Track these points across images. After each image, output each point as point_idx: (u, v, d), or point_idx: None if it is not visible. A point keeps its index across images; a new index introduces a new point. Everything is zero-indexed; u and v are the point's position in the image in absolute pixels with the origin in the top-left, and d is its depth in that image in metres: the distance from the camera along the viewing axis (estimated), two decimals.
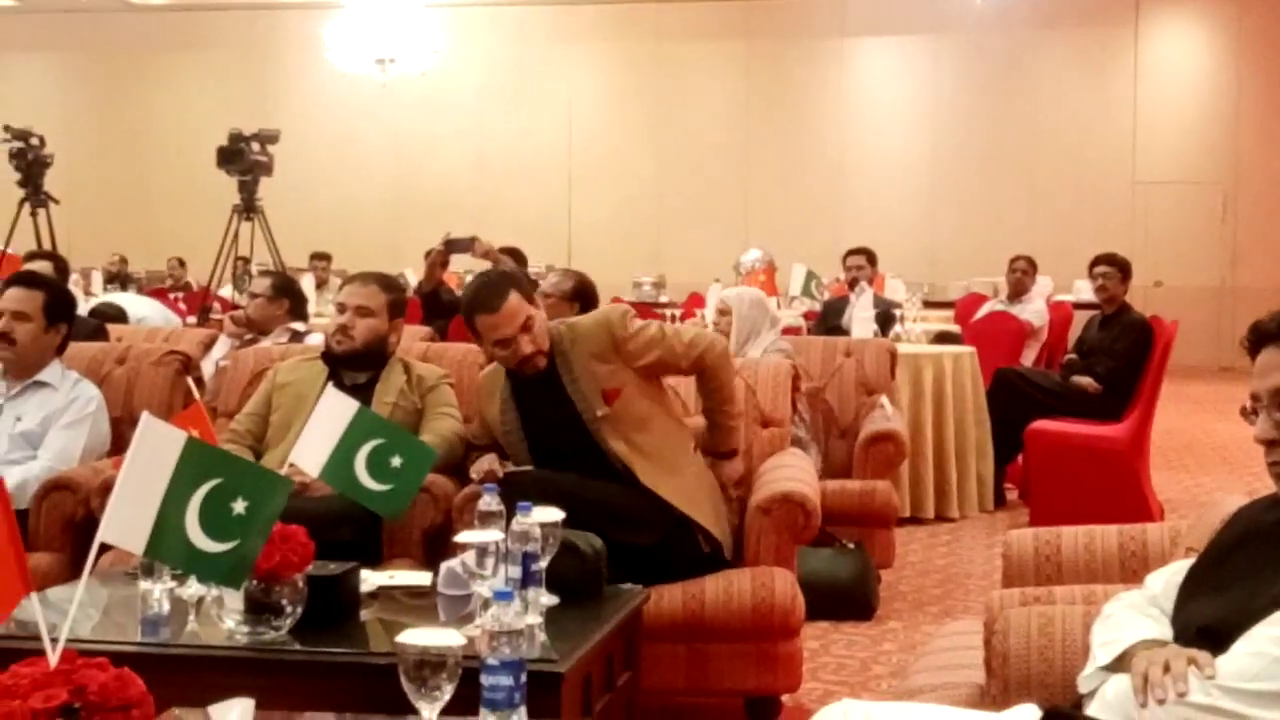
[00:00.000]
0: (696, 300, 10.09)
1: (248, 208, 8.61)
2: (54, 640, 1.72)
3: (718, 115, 15.31)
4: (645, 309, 8.59)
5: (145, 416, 1.93)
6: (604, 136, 15.48)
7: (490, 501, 2.90)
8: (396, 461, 3.09)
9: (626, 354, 3.63)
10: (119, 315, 7.19)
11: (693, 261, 13.02)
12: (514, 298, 3.56)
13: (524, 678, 2.05)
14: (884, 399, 5.59)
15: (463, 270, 11.81)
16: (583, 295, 5.70)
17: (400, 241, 13.72)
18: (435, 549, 3.60)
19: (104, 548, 2.00)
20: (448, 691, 2.03)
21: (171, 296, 10.95)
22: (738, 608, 3.46)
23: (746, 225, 14.38)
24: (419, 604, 3.02)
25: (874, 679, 4.14)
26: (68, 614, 1.88)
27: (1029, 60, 14.86)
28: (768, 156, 15.14)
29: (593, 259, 11.52)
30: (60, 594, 2.98)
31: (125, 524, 1.89)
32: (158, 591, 2.93)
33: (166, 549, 1.96)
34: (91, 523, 3.72)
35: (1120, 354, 6.66)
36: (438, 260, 6.85)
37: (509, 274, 3.95)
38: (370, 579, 3.10)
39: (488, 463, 3.64)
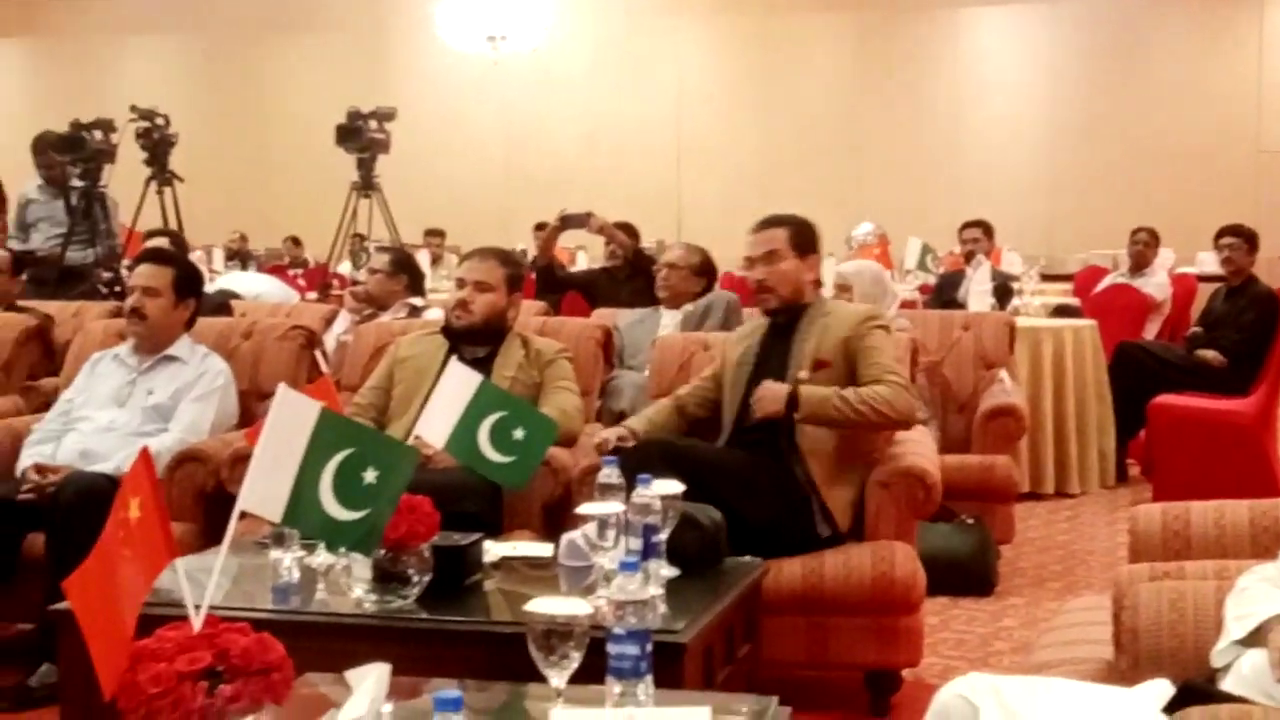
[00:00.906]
0: None
1: (365, 185, 8.72)
2: (196, 606, 1.77)
3: (828, 88, 15.17)
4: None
5: (282, 388, 1.97)
6: (713, 111, 15.42)
7: (611, 474, 2.92)
8: (519, 434, 3.12)
9: (855, 340, 3.68)
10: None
11: None
12: (782, 232, 3.84)
13: (650, 647, 2.07)
14: (1003, 373, 5.51)
15: (574, 246, 11.86)
16: (709, 270, 5.72)
17: (511, 217, 13.81)
18: (555, 521, 3.64)
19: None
20: (576, 660, 2.06)
21: (291, 273, 11.15)
22: (857, 582, 3.45)
23: (858, 199, 14.24)
24: (540, 575, 3.05)
25: (995, 655, 4.10)
26: (207, 581, 1.93)
27: (1147, 26, 14.50)
28: (879, 129, 14.97)
29: (703, 233, 11.47)
30: (194, 563, 3.06)
31: (263, 493, 1.93)
32: (288, 560, 3.00)
33: (302, 517, 2.00)
34: (222, 493, 3.83)
35: (1247, 327, 6.52)
36: (551, 235, 6.91)
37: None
38: (492, 550, 3.14)
39: (610, 434, 3.67)
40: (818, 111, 15.16)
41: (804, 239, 3.86)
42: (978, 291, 6.99)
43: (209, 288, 6.65)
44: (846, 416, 3.56)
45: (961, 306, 6.99)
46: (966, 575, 4.71)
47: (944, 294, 7.72)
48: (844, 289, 5.36)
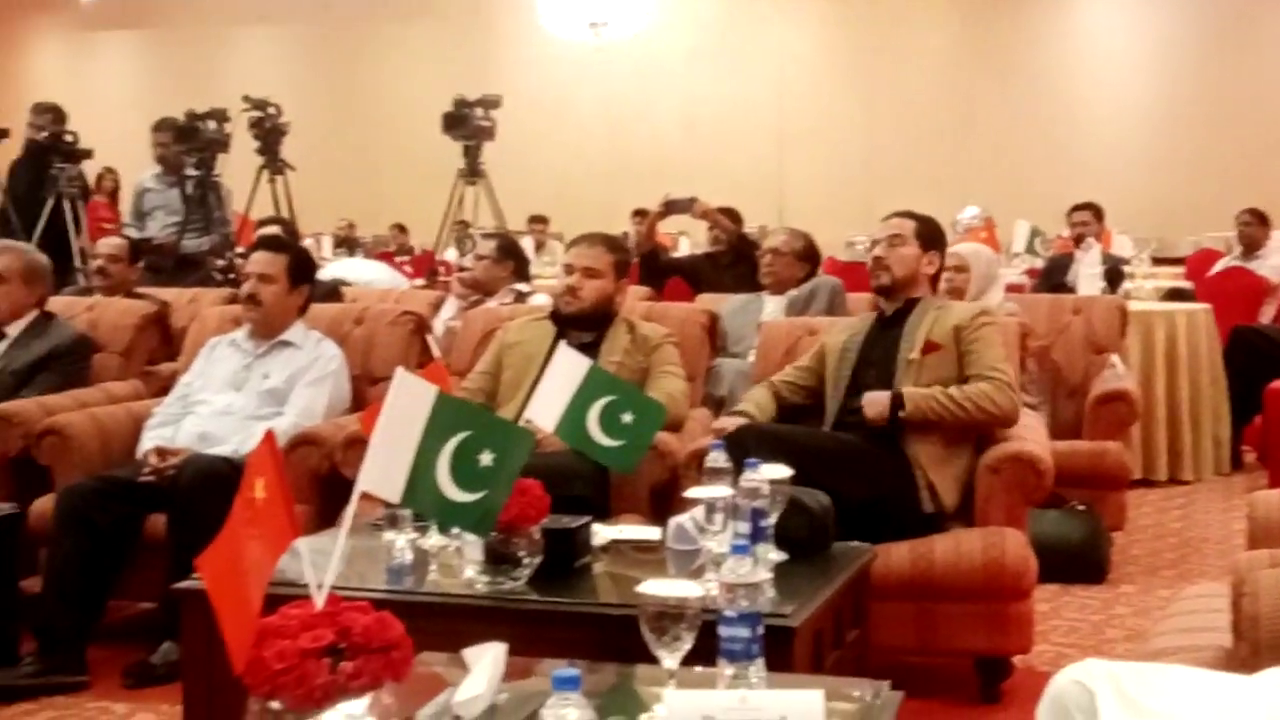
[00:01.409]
0: None
1: (471, 172, 8.80)
2: (318, 586, 1.80)
3: (932, 69, 15.00)
4: (858, 269, 8.51)
5: (399, 372, 2.00)
6: (815, 94, 15.32)
7: (718, 458, 2.93)
8: (628, 418, 3.13)
9: (967, 330, 3.71)
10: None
11: None
12: (911, 223, 3.91)
13: (761, 629, 2.07)
14: (1115, 358, 5.43)
15: (675, 231, 11.87)
16: (813, 255, 5.69)
17: (613, 203, 13.84)
18: (661, 505, 3.65)
19: (346, 500, 2.08)
20: (688, 642, 2.07)
21: (397, 260, 11.30)
22: (967, 568, 3.42)
23: (963, 182, 14.06)
24: (648, 558, 3.06)
25: (1108, 642, 4.04)
26: (327, 561, 1.97)
27: (1259, 6, 14.15)
28: (986, 110, 14.77)
29: (805, 218, 11.41)
30: (311, 544, 3.12)
31: (382, 474, 1.97)
32: (401, 542, 3.05)
33: (421, 499, 2.03)
34: (336, 476, 3.90)
35: None
36: (655, 221, 6.92)
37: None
38: (601, 533, 3.16)
39: (729, 423, 3.69)
40: (922, 93, 14.99)
41: (930, 234, 3.94)
42: (1088, 275, 6.88)
43: (324, 274, 6.77)
44: (952, 414, 3.60)
45: (1070, 290, 6.89)
46: (1078, 562, 4.65)
47: (1052, 277, 7.61)
48: (960, 269, 5.30)
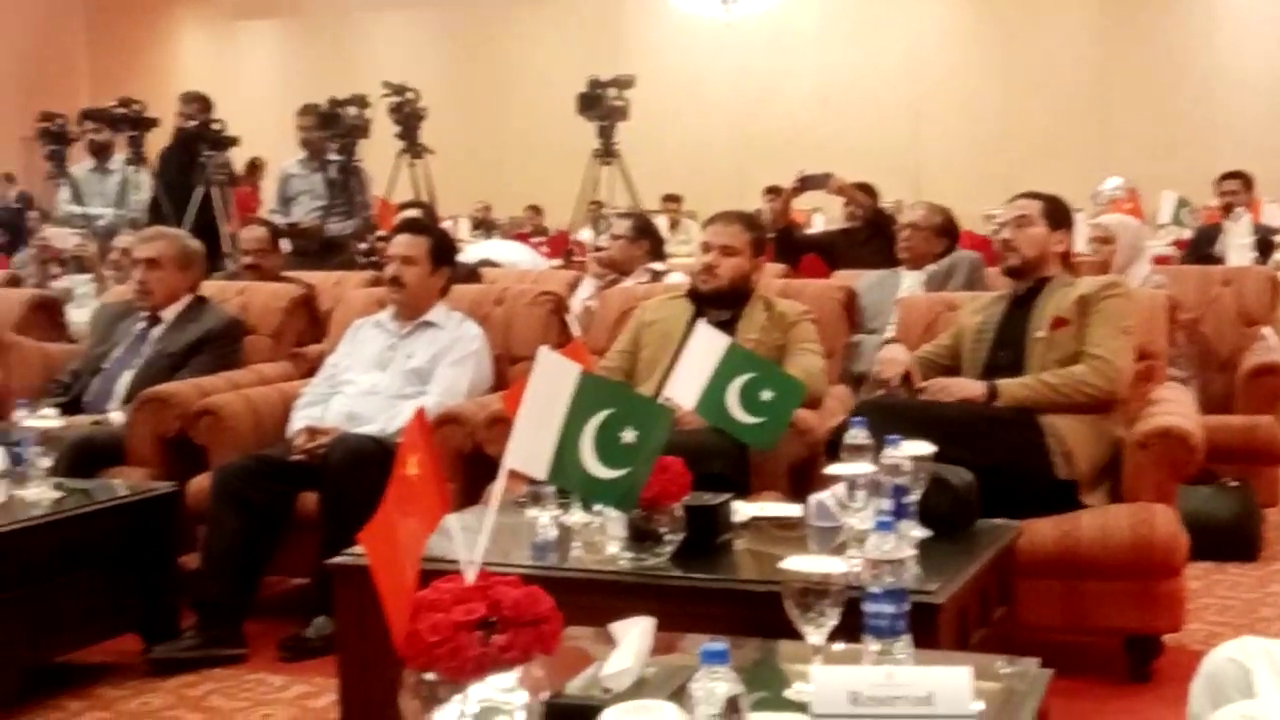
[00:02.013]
0: None
1: (606, 152, 8.86)
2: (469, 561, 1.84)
3: (1071, 37, 14.67)
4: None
5: (543, 351, 2.04)
6: (951, 65, 15.09)
7: (859, 434, 2.92)
8: (767, 395, 3.14)
9: (1092, 301, 3.69)
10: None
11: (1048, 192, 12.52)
12: (1036, 203, 3.89)
13: (906, 606, 2.07)
14: (1266, 330, 5.27)
15: (809, 208, 11.79)
16: (951, 230, 5.62)
17: (746, 180, 13.81)
18: (800, 482, 3.65)
19: (491, 478, 2.12)
20: (833, 618, 2.07)
21: (533, 241, 11.41)
22: (1115, 545, 3.37)
23: (1104, 153, 13.75)
24: (789, 535, 3.06)
25: (1262, 621, 3.95)
26: (475, 537, 2.00)
27: None
28: (1126, 80, 14.41)
29: (942, 192, 11.26)
30: (459, 520, 3.18)
31: (528, 452, 2.00)
32: (545, 518, 3.09)
33: (566, 475, 2.06)
34: (479, 454, 3.96)
35: None
36: (789, 197, 6.90)
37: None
38: (741, 510, 3.17)
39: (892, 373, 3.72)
40: (1060, 61, 14.67)
41: (1056, 213, 3.91)
42: (1237, 245, 6.70)
43: (469, 256, 6.89)
44: (1049, 400, 3.59)
45: (1219, 261, 6.71)
46: (1229, 540, 4.54)
47: (1200, 248, 7.42)
48: (1106, 241, 5.19)
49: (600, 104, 8.71)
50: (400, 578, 1.76)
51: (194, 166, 7.67)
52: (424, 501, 1.80)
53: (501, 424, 3.71)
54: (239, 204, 8.91)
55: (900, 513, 2.74)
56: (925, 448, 2.86)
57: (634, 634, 2.03)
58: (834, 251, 6.60)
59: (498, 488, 1.96)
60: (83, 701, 3.57)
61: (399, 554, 1.78)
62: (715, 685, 1.56)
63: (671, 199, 13.25)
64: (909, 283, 5.42)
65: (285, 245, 6.65)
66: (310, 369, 4.69)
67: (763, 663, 2.33)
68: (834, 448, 3.10)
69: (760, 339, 3.99)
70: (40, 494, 3.64)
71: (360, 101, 7.58)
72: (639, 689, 1.91)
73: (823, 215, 11.65)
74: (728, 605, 2.73)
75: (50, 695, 3.57)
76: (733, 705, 1.55)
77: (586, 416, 2.05)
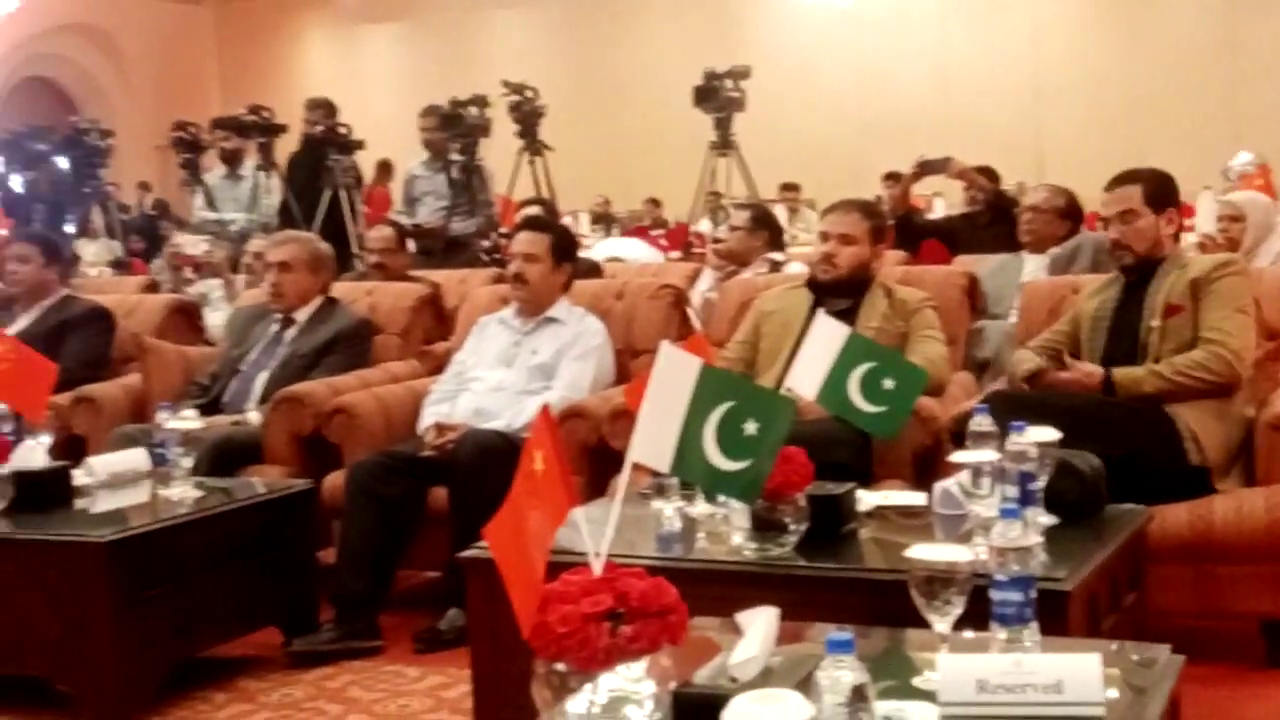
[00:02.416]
0: (1185, 210, 9.52)
1: (723, 144, 8.87)
2: (596, 553, 1.88)
3: (1196, 9, 14.30)
4: None
5: (664, 345, 2.07)
6: (1073, 43, 14.81)
7: (983, 421, 2.91)
8: (889, 384, 3.13)
9: (1203, 284, 3.63)
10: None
11: (1176, 170, 12.23)
12: (1136, 190, 3.77)
13: (1034, 593, 2.06)
14: None
15: (930, 193, 11.66)
16: (1074, 212, 5.54)
17: (865, 167, 13.69)
18: (924, 470, 3.64)
19: (615, 470, 2.16)
20: (958, 606, 2.08)
21: (652, 234, 11.46)
22: (1250, 528, 3.30)
23: (1234, 126, 13.39)
24: (913, 524, 3.06)
25: None
26: (601, 530, 2.04)
27: None
28: (1255, 50, 14.01)
29: (1065, 173, 11.06)
30: (585, 513, 3.24)
31: (652, 445, 2.04)
32: (669, 510, 3.13)
33: (689, 468, 2.09)
34: (603, 447, 4.01)
35: None
36: (909, 183, 6.86)
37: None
38: (865, 499, 3.18)
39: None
40: (1185, 34, 14.31)
41: (1160, 193, 3.79)
42: None
43: (596, 254, 6.95)
44: (1169, 391, 3.53)
45: None
46: None
47: None
48: (1235, 219, 5.07)
49: (716, 96, 8.72)
50: (527, 570, 1.81)
51: (322, 170, 7.85)
52: (550, 496, 1.84)
53: (624, 417, 3.76)
54: (372, 204, 9.09)
55: (1026, 499, 2.73)
56: (1051, 434, 2.84)
57: (759, 623, 2.06)
58: (955, 237, 6.54)
59: (622, 481, 1.99)
60: (226, 694, 3.69)
61: (526, 547, 1.83)
62: (841, 674, 1.58)
63: (789, 188, 13.20)
64: (1032, 267, 5.35)
65: (411, 246, 6.77)
66: (437, 366, 4.78)
67: (889, 651, 2.34)
68: (960, 435, 3.10)
69: (881, 327, 3.98)
70: (183, 493, 3.77)
71: (481, 101, 7.69)
72: (765, 678, 1.94)
73: (943, 200, 11.52)
74: (853, 594, 2.74)
75: (196, 688, 3.70)
76: (858, 694, 1.57)
77: (708, 409, 2.07)
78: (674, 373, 2.04)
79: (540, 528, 1.85)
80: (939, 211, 10.22)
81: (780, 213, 10.17)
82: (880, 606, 2.49)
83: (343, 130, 7.88)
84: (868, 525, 3.08)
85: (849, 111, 15.42)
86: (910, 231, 6.69)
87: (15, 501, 3.64)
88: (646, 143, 15.47)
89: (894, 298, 4.08)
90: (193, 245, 7.36)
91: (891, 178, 9.55)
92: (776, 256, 5.78)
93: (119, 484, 3.93)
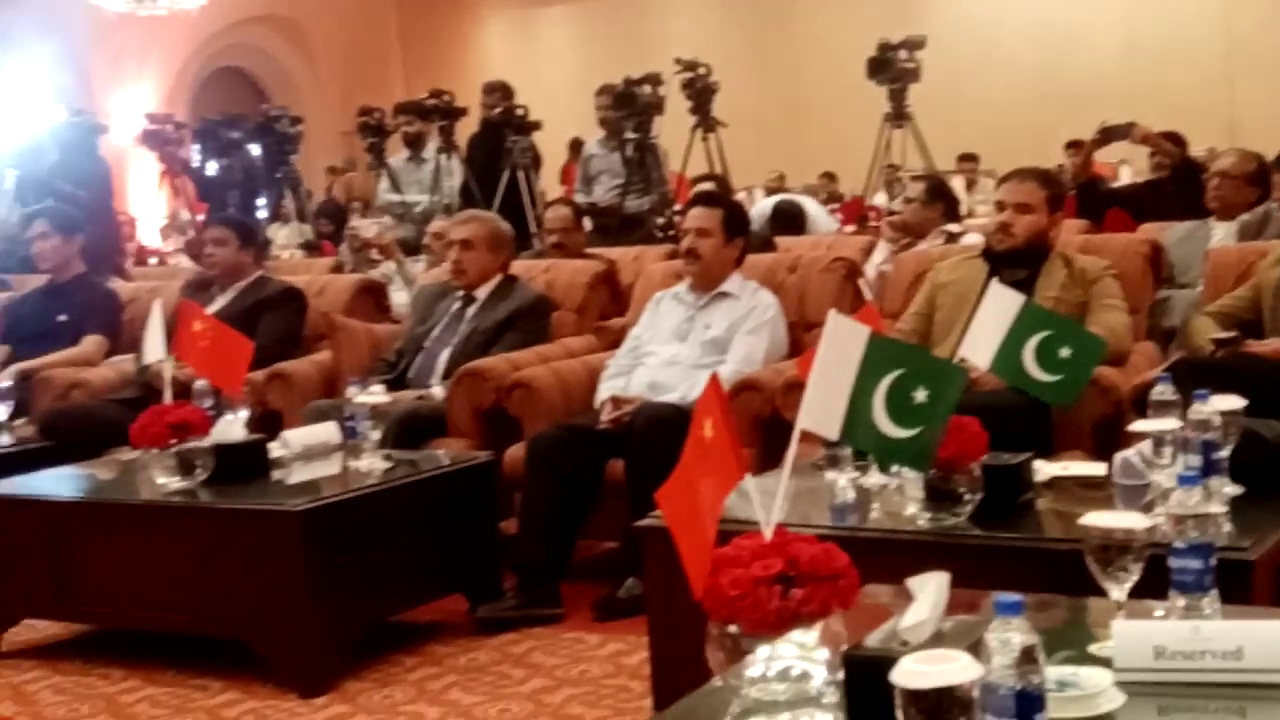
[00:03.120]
0: None
1: (898, 115, 8.77)
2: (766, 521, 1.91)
3: None
4: None
5: (832, 314, 2.08)
6: (1269, 6, 14.22)
7: (1165, 390, 2.86)
8: (1065, 352, 3.09)
9: None
10: (797, 212, 7.66)
11: None
12: None
13: (1214, 561, 2.03)
14: None
15: (1115, 160, 11.35)
16: (1264, 177, 5.37)
17: (1046, 135, 13.35)
18: (1105, 440, 3.57)
19: (787, 443, 2.18)
20: (1134, 573, 2.06)
21: (828, 208, 11.39)
22: None
23: None
24: (1093, 494, 3.02)
25: None
26: (772, 498, 2.07)
27: None
28: None
29: (1258, 138, 10.66)
30: (757, 483, 3.27)
31: (820, 413, 2.06)
32: (843, 481, 3.15)
33: (858, 435, 2.11)
34: (777, 420, 4.04)
35: None
36: (1091, 150, 6.71)
37: None
38: (1043, 469, 3.15)
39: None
40: None
41: None
42: None
43: (766, 204, 6.94)
44: None
45: None
46: None
47: None
48: None
49: (891, 67, 8.61)
50: (698, 535, 1.85)
51: (500, 152, 8.00)
52: (720, 462, 1.88)
53: (797, 389, 3.74)
54: (566, 181, 9.22)
55: (1209, 469, 2.68)
56: (1237, 402, 2.78)
57: (930, 588, 2.07)
58: (1140, 204, 6.38)
59: (791, 449, 2.02)
60: (416, 657, 3.83)
61: (697, 512, 1.87)
62: (1010, 636, 1.58)
63: (968, 158, 12.96)
64: (1220, 234, 5.20)
65: (588, 224, 6.87)
66: (613, 341, 4.85)
67: (1066, 620, 2.33)
68: (1143, 405, 3.04)
69: (1060, 296, 3.93)
70: (371, 464, 3.92)
71: (654, 79, 7.74)
72: (936, 642, 1.95)
73: (1129, 167, 11.20)
74: (1028, 564, 2.73)
75: (388, 652, 3.85)
76: (1027, 655, 1.57)
77: (877, 377, 2.08)
78: (842, 341, 2.06)
79: (711, 493, 1.90)
80: (1125, 179, 9.96)
81: (958, 184, 10.01)
82: (1057, 576, 2.48)
83: (520, 112, 8.02)
84: (1045, 495, 3.06)
85: (1029, 79, 15.06)
86: (1093, 200, 6.55)
87: (215, 473, 3.83)
88: (821, 116, 15.35)
89: (1073, 267, 4.01)
90: (365, 229, 7.59)
91: (1074, 146, 9.33)
92: (953, 228, 5.72)
93: (312, 456, 4.11)
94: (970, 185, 12.21)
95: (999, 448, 2.93)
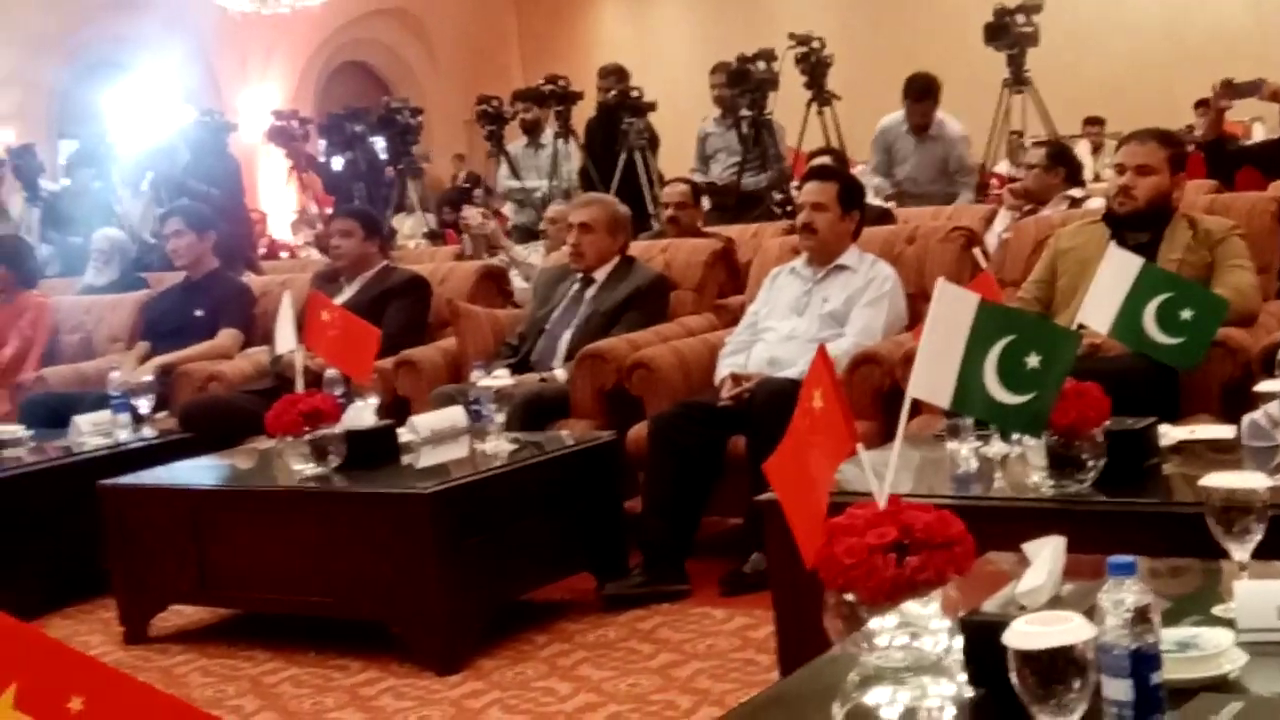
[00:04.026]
0: None
1: (1017, 81, 8.62)
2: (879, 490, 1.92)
3: None
4: None
5: (940, 282, 2.08)
6: None
7: None
8: (1187, 314, 3.04)
9: None
10: None
11: None
12: None
13: None
14: None
15: (1249, 118, 11.03)
16: None
17: (1174, 96, 13.02)
18: (1234, 403, 3.51)
19: (913, 414, 2.18)
20: (1257, 534, 2.04)
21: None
22: None
23: None
24: (1222, 457, 2.97)
25: None
26: (888, 467, 2.08)
27: None
28: None
29: None
30: (874, 456, 3.27)
31: (930, 381, 2.06)
32: (964, 451, 3.14)
33: (970, 402, 2.11)
34: (897, 392, 4.02)
35: None
36: (1218, 107, 6.54)
37: None
38: (1169, 434, 3.10)
39: None
40: None
41: None
42: None
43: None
44: None
45: None
46: None
47: None
48: None
49: (1008, 32, 8.46)
50: (808, 505, 1.88)
51: (617, 134, 8.04)
52: (830, 432, 1.90)
53: None
54: None
55: None
56: None
57: (1046, 553, 2.07)
58: (1272, 162, 6.22)
59: (903, 417, 2.03)
60: (547, 635, 3.91)
61: (807, 481, 1.90)
62: (1124, 596, 1.58)
63: (1093, 121, 12.70)
64: None
65: (705, 203, 6.89)
66: (732, 319, 4.88)
67: (1190, 581, 2.31)
68: (1272, 366, 2.99)
69: (1184, 258, 3.86)
70: (497, 446, 4.00)
71: (768, 55, 7.71)
72: (1053, 606, 1.95)
73: (1263, 125, 10.88)
74: (1152, 528, 2.70)
75: (519, 629, 3.93)
76: (1141, 615, 1.57)
77: (988, 344, 2.08)
78: (951, 309, 2.06)
79: (821, 462, 1.91)
80: (1258, 136, 9.69)
81: (1083, 148, 9.83)
82: (1183, 541, 2.44)
83: (635, 94, 8.04)
84: (1171, 460, 3.02)
85: (1155, 39, 14.68)
86: (1222, 159, 6.40)
87: (348, 459, 3.94)
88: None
89: (1198, 228, 3.94)
90: (473, 217, 7.72)
91: (1203, 105, 9.10)
92: (1075, 193, 5.64)
93: (440, 440, 4.20)
94: (1096, 149, 11.99)
95: (1125, 413, 2.91)
